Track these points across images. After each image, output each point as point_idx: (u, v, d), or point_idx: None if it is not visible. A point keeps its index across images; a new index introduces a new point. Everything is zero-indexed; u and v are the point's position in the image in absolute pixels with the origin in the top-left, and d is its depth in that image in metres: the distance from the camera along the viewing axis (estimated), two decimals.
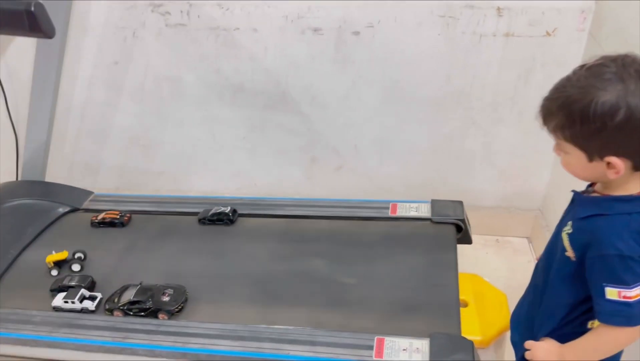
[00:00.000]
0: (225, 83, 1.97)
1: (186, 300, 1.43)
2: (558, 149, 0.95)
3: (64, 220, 1.87)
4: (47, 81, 1.92)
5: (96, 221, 1.78)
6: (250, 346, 1.31)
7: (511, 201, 2.11)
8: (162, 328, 1.38)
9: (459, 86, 1.86)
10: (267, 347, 1.30)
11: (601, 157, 0.89)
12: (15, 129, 2.10)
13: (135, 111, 2.08)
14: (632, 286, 0.88)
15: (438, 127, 1.96)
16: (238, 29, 1.84)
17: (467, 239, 1.69)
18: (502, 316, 1.48)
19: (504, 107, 1.89)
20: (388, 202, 1.78)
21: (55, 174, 2.11)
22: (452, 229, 1.65)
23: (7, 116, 2.08)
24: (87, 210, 1.91)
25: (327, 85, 1.93)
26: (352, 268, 1.53)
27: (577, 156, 0.91)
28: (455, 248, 1.59)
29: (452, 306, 1.38)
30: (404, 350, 1.25)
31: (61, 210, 1.89)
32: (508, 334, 1.40)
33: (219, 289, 1.50)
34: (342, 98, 1.94)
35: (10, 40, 1.98)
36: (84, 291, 1.43)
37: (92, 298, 1.43)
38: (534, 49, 1.77)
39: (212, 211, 1.70)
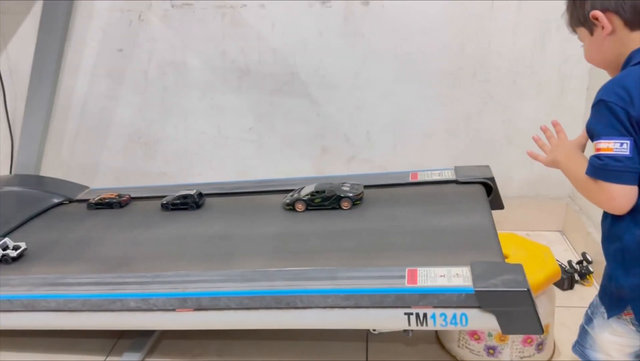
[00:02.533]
0: (231, 66, 1.90)
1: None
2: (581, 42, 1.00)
3: (58, 209, 1.75)
4: (46, 72, 1.88)
5: (93, 202, 1.69)
6: (262, 285, 1.12)
7: (538, 188, 1.96)
8: (155, 279, 1.21)
9: (474, 55, 1.79)
10: (281, 285, 1.12)
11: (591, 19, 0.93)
12: (12, 128, 2.02)
13: (137, 103, 2.00)
14: (602, 137, 0.87)
15: (455, 105, 1.87)
16: (245, 5, 1.81)
17: (498, 203, 1.54)
18: (548, 266, 1.29)
19: (522, 78, 1.80)
20: (407, 172, 1.66)
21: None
22: (481, 188, 1.51)
23: (5, 113, 2.01)
24: (81, 201, 1.79)
25: (336, 62, 1.86)
26: (379, 223, 1.39)
27: (585, 36, 0.96)
28: (487, 202, 1.44)
29: (491, 240, 1.21)
30: (441, 276, 1.07)
31: (54, 200, 1.77)
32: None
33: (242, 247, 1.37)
34: (353, 76, 1.87)
35: (13, 32, 1.96)
36: (7, 240, 1.43)
37: (16, 248, 1.43)
38: (548, 11, 1.72)
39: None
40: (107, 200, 1.68)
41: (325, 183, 1.50)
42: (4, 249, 1.42)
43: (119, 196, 1.70)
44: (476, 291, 1.02)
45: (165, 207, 1.61)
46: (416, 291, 1.05)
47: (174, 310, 1.17)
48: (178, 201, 1.61)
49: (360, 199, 1.46)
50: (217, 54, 1.90)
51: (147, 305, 1.17)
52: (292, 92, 1.92)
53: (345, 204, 1.44)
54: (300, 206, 1.46)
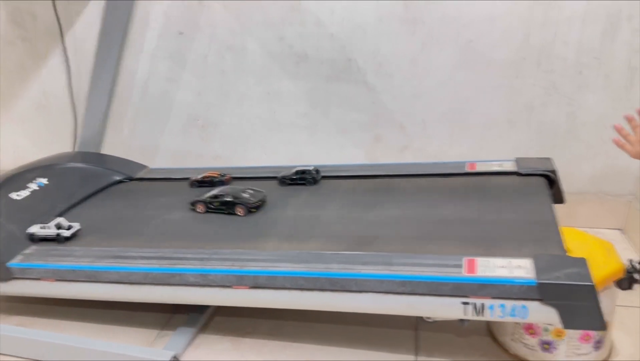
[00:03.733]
0: (289, 52, 1.91)
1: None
2: None
3: (118, 187, 1.81)
4: (110, 52, 1.93)
5: (196, 180, 1.73)
6: (318, 267, 1.13)
7: (600, 185, 1.88)
8: (214, 255, 1.23)
9: (539, 45, 1.73)
10: (336, 268, 1.12)
11: None
12: (75, 108, 2.11)
13: (196, 87, 2.04)
14: None
15: (517, 95, 1.81)
16: None
17: (559, 197, 1.50)
18: (611, 262, 1.24)
19: (589, 69, 1.73)
20: (464, 162, 1.63)
21: None
22: (543, 181, 1.47)
23: (69, 92, 2.09)
24: (141, 179, 1.85)
25: (394, 49, 1.83)
26: (437, 212, 1.37)
27: None
28: (549, 195, 1.40)
29: (554, 233, 1.18)
30: (501, 267, 1.04)
31: (115, 178, 1.83)
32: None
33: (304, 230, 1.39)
34: (411, 64, 1.84)
35: (80, 12, 2.03)
36: (61, 220, 1.47)
37: (69, 228, 1.46)
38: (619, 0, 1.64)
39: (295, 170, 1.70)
40: (209, 178, 1.71)
41: (231, 188, 1.54)
42: (58, 228, 1.45)
43: (221, 175, 1.72)
44: (539, 283, 1.00)
45: (283, 182, 1.67)
46: (475, 281, 1.04)
47: (230, 286, 1.19)
48: (296, 177, 1.66)
49: (258, 207, 1.47)
50: (275, 40, 1.91)
51: (205, 281, 1.20)
52: (348, 79, 1.91)
53: (239, 211, 1.44)
54: (200, 208, 1.50)
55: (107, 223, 1.54)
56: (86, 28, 2.04)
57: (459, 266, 1.07)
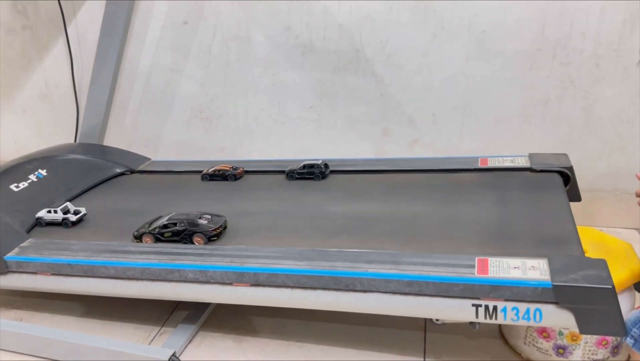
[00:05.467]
0: (295, 42, 1.86)
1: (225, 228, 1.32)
2: None
3: (120, 179, 1.77)
4: (113, 42, 1.89)
5: (207, 173, 1.68)
6: (322, 265, 1.08)
7: (616, 182, 1.81)
8: (214, 252, 1.19)
9: (555, 36, 1.66)
10: (341, 266, 1.07)
11: None
12: (77, 97, 2.07)
13: (200, 78, 1.99)
14: None
15: (531, 88, 1.74)
16: None
17: (575, 195, 1.44)
18: (630, 264, 1.19)
19: (607, 62, 1.66)
20: (476, 157, 1.57)
21: None
22: (558, 177, 1.41)
23: (72, 82, 2.05)
24: (143, 172, 1.81)
25: (404, 39, 1.77)
26: (444, 209, 1.32)
27: None
28: (565, 192, 1.34)
29: (570, 232, 1.12)
30: (515, 267, 0.99)
31: (117, 170, 1.79)
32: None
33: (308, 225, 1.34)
34: (421, 54, 1.78)
35: (82, 2, 1.98)
36: (68, 204, 1.49)
37: (76, 213, 1.47)
38: None
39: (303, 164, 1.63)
40: (221, 172, 1.67)
41: (183, 214, 1.30)
42: (65, 213, 1.46)
43: (234, 168, 1.68)
44: (554, 285, 0.95)
45: (290, 176, 1.60)
46: (487, 282, 0.98)
47: (231, 283, 1.14)
48: (304, 171, 1.59)
49: (218, 234, 1.28)
50: (281, 29, 1.86)
51: (204, 277, 1.16)
52: (356, 71, 1.85)
53: (197, 240, 1.25)
54: (147, 240, 1.29)
55: (107, 216, 1.50)
56: (89, 17, 1.99)
57: (471, 266, 1.02)
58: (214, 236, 1.26)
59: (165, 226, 1.27)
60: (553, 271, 0.97)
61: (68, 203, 1.49)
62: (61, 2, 1.96)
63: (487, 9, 1.69)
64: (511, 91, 1.77)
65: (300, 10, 1.82)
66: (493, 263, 1.02)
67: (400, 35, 1.78)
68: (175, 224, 1.26)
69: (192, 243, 1.25)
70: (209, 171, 1.68)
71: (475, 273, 1.00)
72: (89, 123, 1.96)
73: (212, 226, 1.26)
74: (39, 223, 1.47)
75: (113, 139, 2.08)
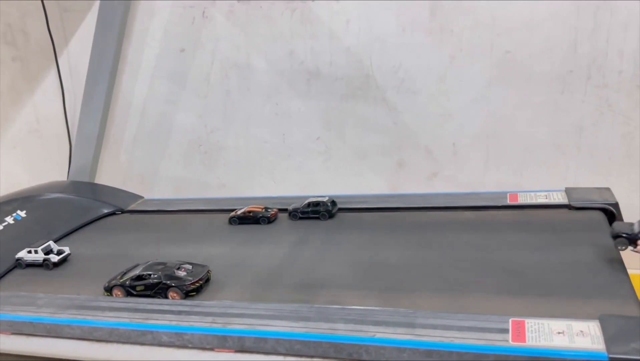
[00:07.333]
0: (299, 68, 1.74)
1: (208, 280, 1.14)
2: None
3: (107, 220, 1.63)
4: (102, 73, 1.79)
5: (236, 216, 1.48)
6: (320, 328, 0.90)
7: None
8: (194, 309, 1.01)
9: (589, 55, 1.51)
10: (343, 329, 0.89)
11: None
12: (70, 131, 1.96)
13: (198, 109, 1.88)
14: None
15: (564, 114, 1.59)
16: None
17: None
18: None
19: None
20: (504, 192, 1.39)
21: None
22: (601, 215, 1.22)
23: (64, 116, 1.94)
24: (133, 211, 1.67)
25: (419, 63, 1.64)
26: (468, 255, 1.15)
27: None
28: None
29: (623, 283, 0.93)
30: (559, 332, 0.79)
31: (104, 210, 1.65)
32: None
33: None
34: (438, 80, 1.64)
35: (74, 31, 1.89)
36: (51, 243, 1.40)
37: (59, 253, 1.38)
38: None
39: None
40: (252, 214, 1.46)
41: (160, 263, 1.15)
42: (47, 253, 1.37)
43: (266, 209, 1.48)
44: (611, 358, 0.75)
45: (294, 215, 1.44)
46: (524, 352, 0.79)
47: (211, 349, 0.96)
48: (308, 210, 1.43)
49: (198, 289, 1.10)
50: (284, 55, 1.74)
51: (180, 341, 0.98)
52: (366, 98, 1.72)
53: (173, 295, 1.09)
54: (118, 293, 1.13)
55: (91, 259, 1.36)
56: (81, 47, 1.90)
57: (504, 330, 0.82)
58: (192, 291, 1.07)
59: (138, 278, 1.10)
60: (607, 339, 0.77)
61: (51, 242, 1.39)
62: (52, 31, 1.87)
63: (512, 27, 1.55)
64: (541, 117, 1.61)
65: (303, 33, 1.70)
66: (531, 326, 0.82)
67: (414, 59, 1.65)
68: (149, 275, 1.09)
69: (167, 297, 1.08)
70: (238, 213, 1.47)
71: (510, 341, 0.80)
72: (80, 159, 1.84)
73: (190, 279, 1.08)
74: (19, 264, 1.36)
75: (107, 176, 1.96)
